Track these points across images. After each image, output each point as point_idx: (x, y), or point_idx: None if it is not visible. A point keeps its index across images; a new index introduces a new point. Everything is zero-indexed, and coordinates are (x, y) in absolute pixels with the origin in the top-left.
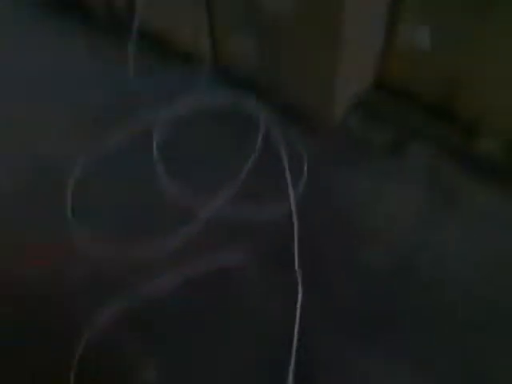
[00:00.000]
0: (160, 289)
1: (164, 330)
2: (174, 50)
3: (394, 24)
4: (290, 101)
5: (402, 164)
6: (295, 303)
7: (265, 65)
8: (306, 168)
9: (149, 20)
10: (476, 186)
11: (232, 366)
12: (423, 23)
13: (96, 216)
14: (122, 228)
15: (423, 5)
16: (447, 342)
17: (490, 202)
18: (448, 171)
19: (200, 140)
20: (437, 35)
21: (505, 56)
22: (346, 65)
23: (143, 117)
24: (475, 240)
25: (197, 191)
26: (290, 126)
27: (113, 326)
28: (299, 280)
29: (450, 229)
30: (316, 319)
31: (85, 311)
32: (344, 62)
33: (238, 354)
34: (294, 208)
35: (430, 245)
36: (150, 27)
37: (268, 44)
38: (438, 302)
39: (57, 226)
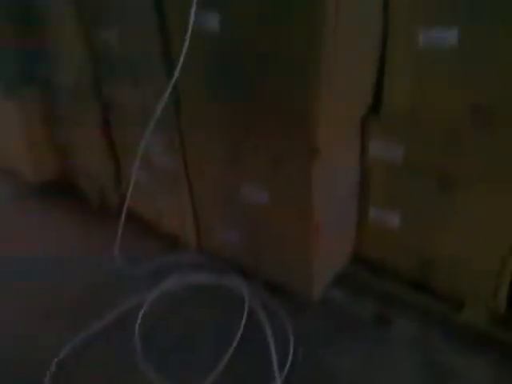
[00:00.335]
0: None
1: None
2: (160, 234)
3: (365, 205)
4: (272, 278)
5: (388, 337)
6: None
7: (247, 248)
8: (291, 345)
9: (137, 206)
10: (463, 356)
11: None
12: (391, 207)
13: None
14: None
15: (389, 190)
16: None
17: (479, 373)
18: (435, 342)
19: (184, 320)
20: (405, 215)
21: (472, 228)
22: (322, 243)
23: (127, 298)
24: None
25: (179, 376)
26: (274, 303)
27: None
28: None
29: None
30: None
31: None
32: (321, 241)
33: None
34: None
35: None
36: (138, 212)
37: (249, 231)
38: None
39: None
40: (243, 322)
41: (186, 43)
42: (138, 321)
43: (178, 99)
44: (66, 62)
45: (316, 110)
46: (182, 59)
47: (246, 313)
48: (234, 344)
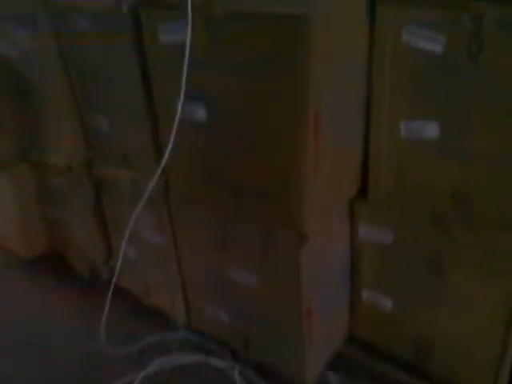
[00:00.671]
0: None
1: None
2: (149, 311)
3: (357, 287)
4: (264, 361)
5: None
6: None
7: (237, 330)
8: None
9: (126, 282)
10: None
11: None
12: (383, 289)
13: None
14: None
15: (380, 272)
16: None
17: None
18: None
19: None
20: (397, 298)
21: (466, 313)
22: (315, 327)
23: (113, 381)
24: None
25: None
26: None
27: None
28: None
29: None
30: None
31: None
32: (313, 325)
33: None
34: None
35: None
36: (127, 288)
37: (239, 313)
38: None
39: None
40: None
41: (173, 133)
42: None
43: (167, 180)
44: (56, 142)
45: (302, 198)
46: (169, 147)
47: None
48: None
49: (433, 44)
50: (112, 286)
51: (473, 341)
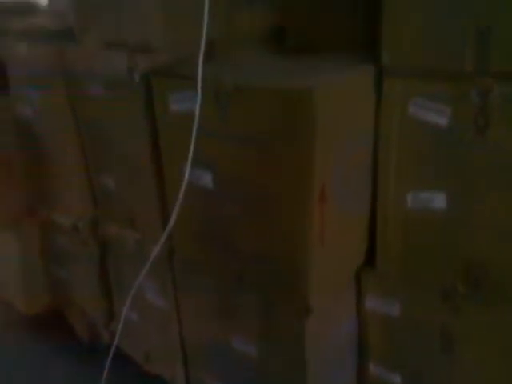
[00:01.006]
0: None
1: None
2: (149, 377)
3: (365, 359)
4: None
5: None
6: None
7: None
8: None
9: (127, 346)
10: None
11: None
12: (391, 363)
13: None
14: None
15: (387, 345)
16: None
17: None
18: None
19: None
20: (406, 374)
21: None
22: None
23: None
24: None
25: None
26: None
27: None
28: None
29: None
30: None
31: None
32: None
33: None
34: None
35: None
36: (128, 352)
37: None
38: None
39: None
40: None
41: (180, 199)
42: None
43: (171, 244)
44: (65, 201)
45: (308, 269)
46: (174, 214)
47: None
48: None
49: (439, 117)
50: (112, 351)
51: None
